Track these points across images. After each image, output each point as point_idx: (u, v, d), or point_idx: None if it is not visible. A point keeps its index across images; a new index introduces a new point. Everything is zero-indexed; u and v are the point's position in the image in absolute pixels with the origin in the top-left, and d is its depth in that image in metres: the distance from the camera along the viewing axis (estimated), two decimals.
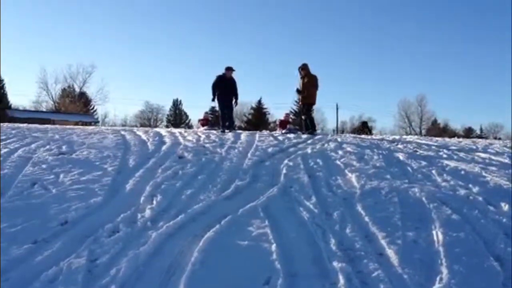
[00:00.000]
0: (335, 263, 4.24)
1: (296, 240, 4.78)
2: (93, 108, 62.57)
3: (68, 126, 15.41)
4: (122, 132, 11.20)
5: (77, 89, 61.59)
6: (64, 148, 8.53)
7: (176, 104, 70.32)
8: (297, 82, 12.99)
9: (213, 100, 13.13)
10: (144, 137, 10.35)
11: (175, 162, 7.73)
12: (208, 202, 5.80)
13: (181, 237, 4.72)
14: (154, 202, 5.69)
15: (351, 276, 4.04)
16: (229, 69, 13.12)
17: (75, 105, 56.73)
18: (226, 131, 12.76)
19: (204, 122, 16.09)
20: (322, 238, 4.84)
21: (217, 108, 13.53)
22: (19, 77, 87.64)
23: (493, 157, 8.56)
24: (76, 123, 33.92)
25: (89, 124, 40.03)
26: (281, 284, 3.81)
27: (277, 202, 5.87)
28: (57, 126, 15.51)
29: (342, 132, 19.81)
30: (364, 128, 21.92)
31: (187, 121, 66.67)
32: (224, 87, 12.93)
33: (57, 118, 44.25)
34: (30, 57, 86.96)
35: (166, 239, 4.67)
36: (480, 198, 6.01)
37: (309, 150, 9.15)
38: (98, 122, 54.71)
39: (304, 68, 12.74)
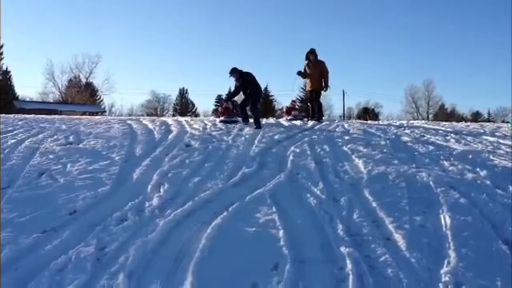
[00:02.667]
0: (342, 248, 4.24)
1: (304, 226, 4.78)
2: (99, 98, 62.69)
3: (75, 116, 15.44)
4: (129, 122, 11.22)
5: (83, 80, 61.67)
6: (71, 138, 8.57)
7: (183, 93, 70.29)
8: (303, 68, 12.87)
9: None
10: (150, 126, 10.36)
11: (182, 150, 7.74)
12: (215, 189, 5.81)
13: (189, 225, 4.74)
14: (162, 190, 5.71)
15: (358, 260, 4.04)
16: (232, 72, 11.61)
17: (82, 96, 56.84)
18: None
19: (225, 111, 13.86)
20: (330, 224, 4.84)
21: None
22: (26, 69, 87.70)
23: (501, 141, 8.51)
24: (83, 113, 34.05)
25: (96, 114, 40.18)
26: (289, 270, 3.82)
27: (284, 188, 5.87)
28: (64, 116, 15.57)
29: (349, 118, 19.65)
30: (365, 113, 21.80)
31: (193, 110, 66.70)
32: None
33: (64, 108, 44.37)
34: (36, 48, 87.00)
35: (174, 226, 4.69)
36: (488, 182, 5.98)
37: (315, 137, 9.13)
38: (104, 112, 54.82)
39: (312, 53, 12.65)
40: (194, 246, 4.23)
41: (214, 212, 5.01)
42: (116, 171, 6.38)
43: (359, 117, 22.33)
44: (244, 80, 11.08)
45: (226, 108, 11.25)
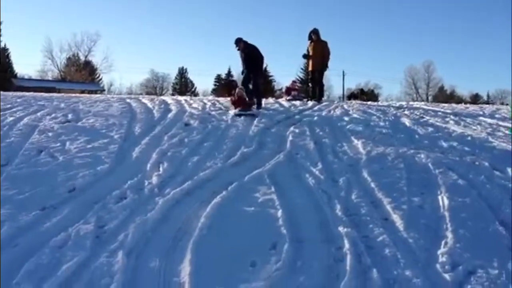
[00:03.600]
0: (340, 228, 4.26)
1: (302, 206, 4.80)
2: (98, 76, 62.31)
3: (73, 95, 15.38)
4: (128, 100, 11.17)
5: (82, 58, 61.25)
6: (70, 116, 8.54)
7: (182, 72, 69.86)
8: (306, 48, 12.80)
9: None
10: (149, 105, 10.32)
11: (181, 129, 7.73)
12: (215, 169, 5.82)
13: (188, 204, 4.76)
14: (161, 169, 5.71)
15: (356, 240, 4.06)
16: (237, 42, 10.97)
17: (81, 74, 56.48)
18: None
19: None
20: (328, 204, 4.86)
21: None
22: (25, 47, 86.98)
23: (500, 123, 8.50)
24: (82, 92, 33.86)
25: (95, 92, 39.98)
26: (287, 249, 3.84)
27: (283, 168, 5.88)
28: (62, 94, 15.48)
29: (349, 98, 19.54)
30: (361, 95, 21.68)
31: (193, 90, 66.42)
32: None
33: (62, 86, 44.07)
34: (35, 26, 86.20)
35: (173, 205, 4.71)
36: (486, 164, 6.00)
37: (315, 117, 9.12)
38: (103, 90, 54.53)
39: (315, 33, 12.55)
40: (193, 224, 4.26)
41: (213, 192, 5.02)
42: (115, 150, 6.38)
43: (349, 97, 22.19)
44: (249, 52, 10.57)
45: (240, 98, 10.08)
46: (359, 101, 14.79)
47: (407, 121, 8.66)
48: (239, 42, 10.72)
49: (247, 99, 9.75)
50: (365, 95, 22.95)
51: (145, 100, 11.50)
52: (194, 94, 57.32)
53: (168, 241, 3.99)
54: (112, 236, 4.02)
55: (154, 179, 5.35)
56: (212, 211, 4.52)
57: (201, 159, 6.15)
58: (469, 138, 7.29)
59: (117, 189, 5.01)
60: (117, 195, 4.87)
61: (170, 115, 9.01)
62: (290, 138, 7.23)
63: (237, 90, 10.22)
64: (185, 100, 11.59)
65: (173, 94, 53.17)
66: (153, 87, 66.15)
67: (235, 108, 9.47)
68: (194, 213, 4.51)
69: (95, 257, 3.70)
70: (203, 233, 4.09)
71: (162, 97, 13.49)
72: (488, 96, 68.41)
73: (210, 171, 5.71)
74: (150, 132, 7.46)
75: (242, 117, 8.73)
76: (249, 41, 10.72)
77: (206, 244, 3.92)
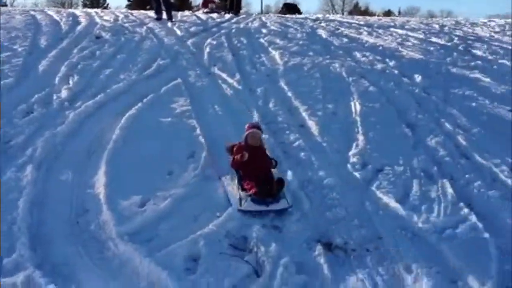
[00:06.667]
0: None
1: (220, 116, 4.79)
2: None
3: None
4: (32, 13, 10.28)
5: None
6: None
7: None
8: None
9: None
10: (56, 17, 9.57)
11: (92, 42, 7.32)
12: (129, 81, 5.60)
13: (102, 116, 4.59)
14: (71, 82, 5.41)
15: (273, 146, 4.14)
16: None
17: None
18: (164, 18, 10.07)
19: None
20: (246, 113, 4.88)
21: None
22: None
23: (409, 33, 8.78)
24: None
25: None
26: (206, 157, 3.84)
27: (200, 80, 5.79)
28: None
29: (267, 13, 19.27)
30: (288, 9, 21.40)
31: (105, 5, 62.48)
32: None
33: None
34: None
35: (85, 118, 4.52)
36: (396, 71, 6.24)
37: (233, 30, 8.93)
38: (5, 5, 49.96)
39: None
40: (107, 136, 4.12)
41: (128, 104, 4.86)
42: (19, 63, 5.91)
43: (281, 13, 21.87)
44: None
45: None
46: (277, 14, 14.66)
47: (323, 33, 8.72)
48: None
49: None
50: (291, 10, 22.58)
51: (51, 12, 10.65)
52: (105, 8, 54.00)
53: (81, 154, 3.84)
54: (19, 151, 3.78)
55: (64, 93, 5.07)
56: (127, 123, 4.39)
57: (114, 72, 5.89)
58: (380, 48, 7.50)
59: (23, 103, 4.69)
60: (23, 110, 4.57)
61: (79, 27, 8.45)
62: (208, 50, 7.08)
63: None
64: (96, 13, 10.87)
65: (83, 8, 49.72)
66: (62, 3, 61.48)
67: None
68: (108, 125, 4.35)
69: (2, 173, 3.47)
70: (118, 145, 3.98)
71: (71, 10, 12.58)
72: (399, 12, 70.28)
73: (124, 83, 5.50)
74: (58, 45, 6.97)
75: (157, 30, 8.36)
76: None
77: (121, 155, 3.82)
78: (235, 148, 3.58)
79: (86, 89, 5.25)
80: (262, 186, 3.21)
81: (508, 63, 6.95)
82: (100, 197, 3.23)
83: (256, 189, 3.20)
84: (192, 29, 8.73)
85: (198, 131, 4.33)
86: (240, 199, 3.20)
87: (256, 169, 3.39)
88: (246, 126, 3.66)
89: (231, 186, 3.37)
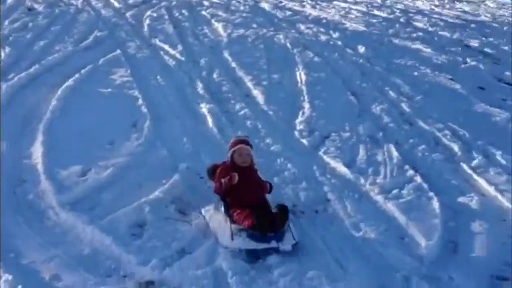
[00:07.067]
0: (202, 105, 4.25)
1: (163, 87, 4.66)
2: None
3: None
4: None
5: None
6: None
7: None
8: None
9: None
10: None
11: (23, 14, 6.88)
12: (65, 53, 5.33)
13: (36, 88, 4.37)
14: (2, 54, 5.08)
15: (219, 116, 4.08)
16: None
17: None
18: None
19: None
20: (189, 83, 4.78)
21: None
22: None
23: (352, 6, 8.84)
24: None
25: None
26: (149, 126, 3.71)
27: (141, 51, 5.59)
28: None
29: None
30: None
31: None
32: None
33: None
34: None
35: (19, 90, 4.29)
36: (340, 43, 6.28)
37: (173, 2, 8.66)
38: None
39: None
40: (43, 108, 3.93)
41: (64, 75, 4.64)
42: None
43: None
44: None
45: None
46: None
47: (266, 6, 8.61)
48: None
49: None
50: None
51: None
52: None
53: (15, 125, 3.65)
54: None
55: None
56: (65, 93, 4.20)
57: (49, 44, 5.58)
58: (324, 20, 7.51)
59: None
60: None
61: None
62: (148, 22, 6.84)
63: None
64: None
65: None
66: None
67: None
68: (43, 96, 4.16)
69: None
70: (55, 115, 3.80)
71: None
72: None
73: (60, 55, 5.23)
74: None
75: (94, 2, 7.98)
76: None
77: (59, 126, 3.65)
78: (218, 170, 2.80)
79: (19, 61, 4.97)
80: (261, 216, 2.51)
81: (448, 35, 7.18)
82: (38, 167, 3.08)
83: (254, 220, 2.49)
84: (131, 1, 8.38)
85: (140, 101, 4.20)
86: (232, 234, 2.49)
87: (247, 194, 2.66)
88: (231, 141, 2.89)
89: (217, 218, 2.65)
